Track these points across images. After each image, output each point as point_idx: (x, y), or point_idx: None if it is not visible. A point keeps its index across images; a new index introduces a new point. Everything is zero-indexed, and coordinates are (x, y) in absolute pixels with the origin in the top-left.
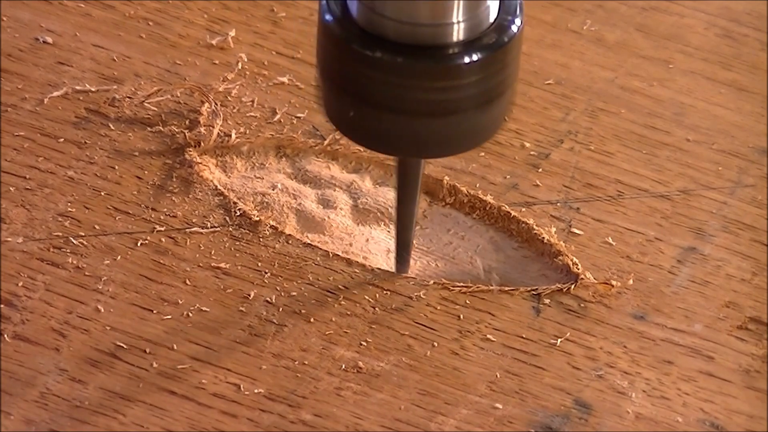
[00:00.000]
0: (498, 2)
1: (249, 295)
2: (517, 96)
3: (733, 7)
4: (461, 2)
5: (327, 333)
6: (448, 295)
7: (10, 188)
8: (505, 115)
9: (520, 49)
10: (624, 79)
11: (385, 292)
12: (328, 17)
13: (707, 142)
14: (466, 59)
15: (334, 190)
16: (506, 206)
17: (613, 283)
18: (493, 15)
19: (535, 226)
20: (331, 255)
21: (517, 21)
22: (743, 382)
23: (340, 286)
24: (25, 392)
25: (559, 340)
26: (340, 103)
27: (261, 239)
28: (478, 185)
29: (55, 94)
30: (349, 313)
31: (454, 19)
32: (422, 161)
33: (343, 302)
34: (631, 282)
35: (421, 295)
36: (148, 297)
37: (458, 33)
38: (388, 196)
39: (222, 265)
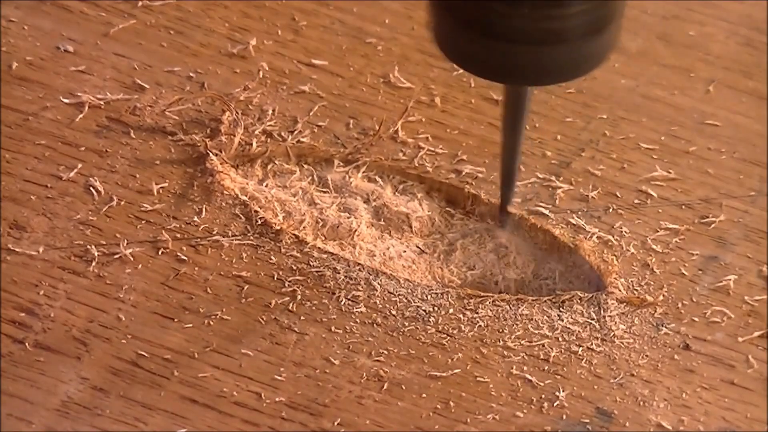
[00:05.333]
0: None
1: (270, 304)
2: (538, 104)
3: (755, 15)
4: None
5: (348, 341)
6: (469, 303)
7: (32, 197)
8: (613, 45)
9: None
10: (645, 87)
11: (406, 300)
12: None
13: (728, 151)
14: None
15: (355, 199)
16: (527, 215)
17: (643, 296)
18: None
19: (556, 235)
20: (351, 263)
21: None
22: (765, 391)
23: (361, 295)
24: (47, 401)
25: (581, 348)
26: (449, 30)
27: (282, 248)
28: (499, 194)
29: (76, 102)
30: (370, 321)
31: None
32: (529, 90)
33: (364, 311)
34: (661, 297)
35: (442, 304)
36: (170, 305)
37: None
38: (408, 204)
39: (243, 273)
